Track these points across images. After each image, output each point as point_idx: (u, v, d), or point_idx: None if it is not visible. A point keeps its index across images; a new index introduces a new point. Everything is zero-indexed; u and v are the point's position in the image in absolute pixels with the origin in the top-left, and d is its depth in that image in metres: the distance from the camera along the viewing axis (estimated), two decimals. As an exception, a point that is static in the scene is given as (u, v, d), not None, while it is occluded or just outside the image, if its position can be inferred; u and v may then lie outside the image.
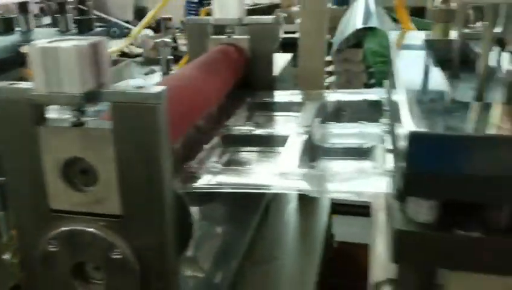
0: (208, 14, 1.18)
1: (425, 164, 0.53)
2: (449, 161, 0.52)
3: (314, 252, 1.10)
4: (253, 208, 1.17)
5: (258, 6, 2.90)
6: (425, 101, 0.64)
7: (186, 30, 1.18)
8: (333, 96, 1.14)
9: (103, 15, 3.40)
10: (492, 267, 0.55)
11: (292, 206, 1.29)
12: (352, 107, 1.06)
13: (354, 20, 2.85)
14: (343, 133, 0.95)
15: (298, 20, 3.29)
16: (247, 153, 0.90)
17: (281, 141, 0.87)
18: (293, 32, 3.19)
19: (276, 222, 1.21)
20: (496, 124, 0.53)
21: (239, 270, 0.99)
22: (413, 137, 0.53)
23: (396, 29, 1.81)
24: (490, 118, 0.54)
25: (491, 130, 0.53)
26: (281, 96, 1.14)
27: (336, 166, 0.83)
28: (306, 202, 1.28)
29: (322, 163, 0.86)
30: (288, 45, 2.79)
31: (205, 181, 0.74)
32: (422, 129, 0.54)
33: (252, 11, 2.65)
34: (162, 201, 0.61)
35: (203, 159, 0.82)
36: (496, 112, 0.52)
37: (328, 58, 3.14)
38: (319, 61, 1.26)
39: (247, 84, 1.16)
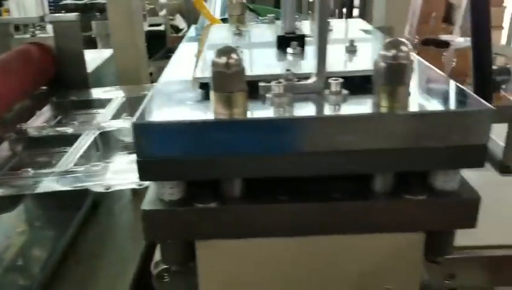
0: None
1: (149, 151, 0.57)
2: (167, 146, 0.56)
3: (139, 243, 1.11)
4: (76, 207, 1.16)
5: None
6: (172, 92, 0.67)
7: (-15, 31, 1.12)
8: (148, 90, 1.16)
9: None
10: (231, 233, 0.61)
11: (125, 201, 1.29)
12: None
13: (214, 11, 2.90)
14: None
15: (162, 12, 3.27)
16: (36, 156, 0.88)
17: (74, 140, 0.87)
18: (159, 25, 3.16)
19: (106, 219, 1.21)
20: (215, 109, 0.57)
21: (58, 270, 0.98)
22: (135, 127, 0.56)
23: (254, 20, 1.87)
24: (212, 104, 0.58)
25: (211, 116, 0.57)
26: (93, 93, 1.13)
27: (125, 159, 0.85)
28: (140, 196, 1.28)
29: (115, 157, 0.87)
30: (154, 38, 2.75)
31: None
32: (142, 120, 0.57)
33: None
34: None
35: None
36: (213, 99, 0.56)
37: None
38: (138, 56, 1.26)
39: (58, 82, 1.14)
